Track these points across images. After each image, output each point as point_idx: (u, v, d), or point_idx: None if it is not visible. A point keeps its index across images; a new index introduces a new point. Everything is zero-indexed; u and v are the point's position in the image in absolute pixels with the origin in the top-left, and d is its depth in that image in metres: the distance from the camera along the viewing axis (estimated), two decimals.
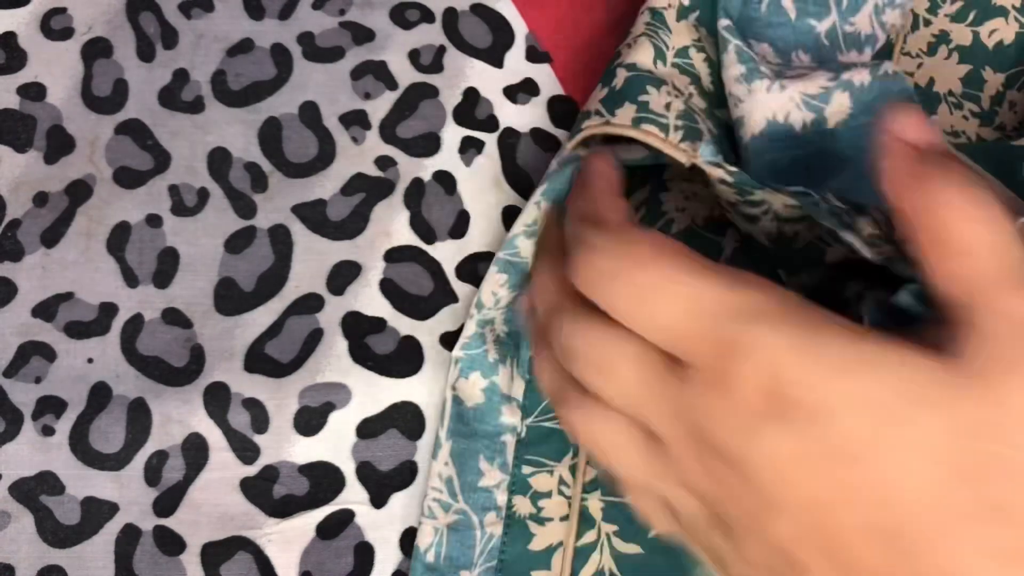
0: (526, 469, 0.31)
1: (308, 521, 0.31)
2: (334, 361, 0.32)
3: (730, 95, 0.29)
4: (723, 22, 0.29)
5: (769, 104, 0.28)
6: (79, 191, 0.33)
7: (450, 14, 0.34)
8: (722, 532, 0.23)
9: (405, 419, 0.32)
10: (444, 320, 0.32)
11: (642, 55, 0.29)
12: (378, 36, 0.34)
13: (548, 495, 0.30)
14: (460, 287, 0.33)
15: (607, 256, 0.23)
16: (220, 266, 0.32)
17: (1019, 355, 0.19)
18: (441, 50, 0.34)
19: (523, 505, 0.30)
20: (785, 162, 0.28)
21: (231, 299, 0.32)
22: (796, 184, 0.25)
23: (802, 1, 0.30)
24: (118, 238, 0.33)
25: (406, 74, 0.34)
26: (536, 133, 0.34)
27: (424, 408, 0.32)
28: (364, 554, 0.31)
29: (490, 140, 0.34)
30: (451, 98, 0.34)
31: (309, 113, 0.33)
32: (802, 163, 0.28)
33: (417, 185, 0.33)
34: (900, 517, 0.19)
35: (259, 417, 0.31)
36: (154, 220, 0.33)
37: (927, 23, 0.33)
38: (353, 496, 0.31)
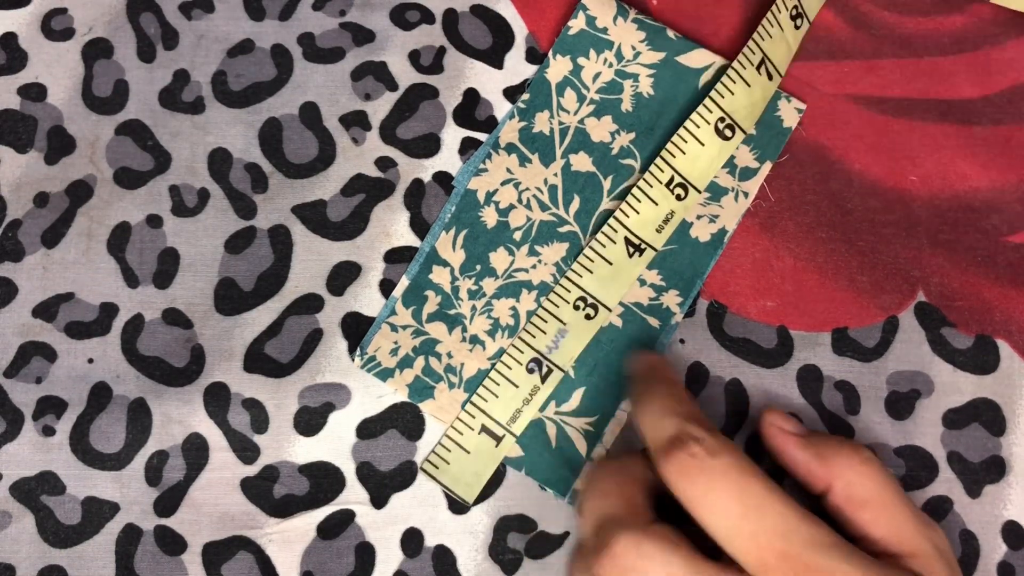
0: None
1: (309, 521, 0.31)
2: (334, 361, 0.32)
3: None
4: None
5: None
6: (80, 191, 0.33)
7: (450, 15, 0.34)
8: None
9: (405, 420, 0.32)
10: None
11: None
12: (378, 37, 0.34)
13: None
14: None
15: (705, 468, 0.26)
16: (220, 266, 0.33)
17: None
18: (441, 51, 0.34)
19: None
20: None
21: (231, 299, 0.32)
22: None
23: None
24: (119, 238, 0.33)
25: (406, 75, 0.34)
26: None
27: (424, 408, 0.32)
28: (365, 554, 0.31)
29: None
30: (451, 99, 0.34)
31: (309, 114, 0.34)
32: None
33: (417, 186, 0.33)
34: None
35: (259, 417, 0.31)
36: (154, 220, 0.33)
37: None
38: (353, 496, 0.31)
